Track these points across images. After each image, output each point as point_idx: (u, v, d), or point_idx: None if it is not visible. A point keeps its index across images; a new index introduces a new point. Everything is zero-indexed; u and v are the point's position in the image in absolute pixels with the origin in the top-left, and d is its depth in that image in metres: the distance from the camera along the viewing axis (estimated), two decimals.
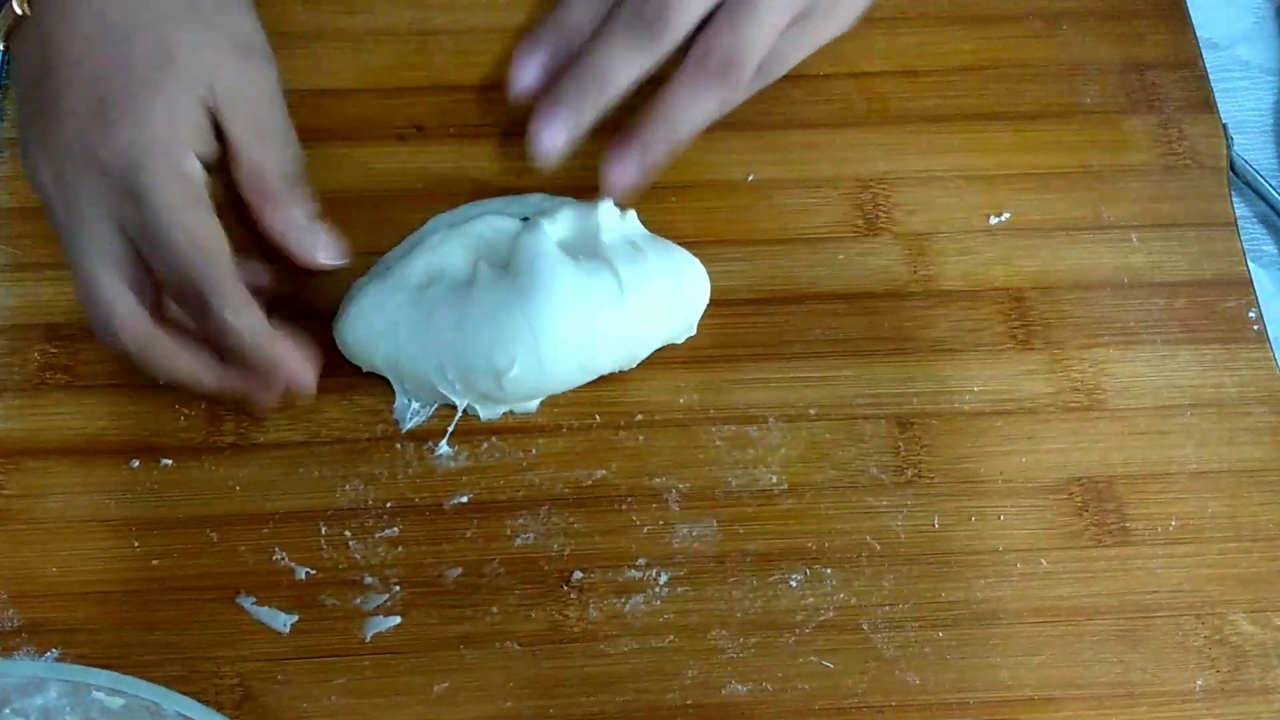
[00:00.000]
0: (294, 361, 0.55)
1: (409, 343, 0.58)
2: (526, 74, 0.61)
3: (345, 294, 0.60)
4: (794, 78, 0.67)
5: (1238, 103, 0.72)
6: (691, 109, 0.60)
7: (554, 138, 0.59)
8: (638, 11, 0.57)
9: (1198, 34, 0.72)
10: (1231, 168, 0.68)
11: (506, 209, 0.62)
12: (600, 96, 0.59)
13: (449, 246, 0.59)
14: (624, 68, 0.58)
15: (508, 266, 0.58)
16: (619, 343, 0.59)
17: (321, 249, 0.56)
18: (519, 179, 0.65)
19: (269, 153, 0.55)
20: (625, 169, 0.60)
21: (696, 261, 0.61)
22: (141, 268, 0.52)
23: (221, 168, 0.55)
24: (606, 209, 0.60)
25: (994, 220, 0.66)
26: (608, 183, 0.60)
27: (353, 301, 0.59)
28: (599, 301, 0.58)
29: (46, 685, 0.48)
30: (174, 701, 0.47)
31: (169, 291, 0.53)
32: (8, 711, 0.48)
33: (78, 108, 0.51)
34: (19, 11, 0.53)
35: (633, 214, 0.61)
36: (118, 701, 0.47)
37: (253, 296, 0.54)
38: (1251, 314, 0.64)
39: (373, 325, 0.58)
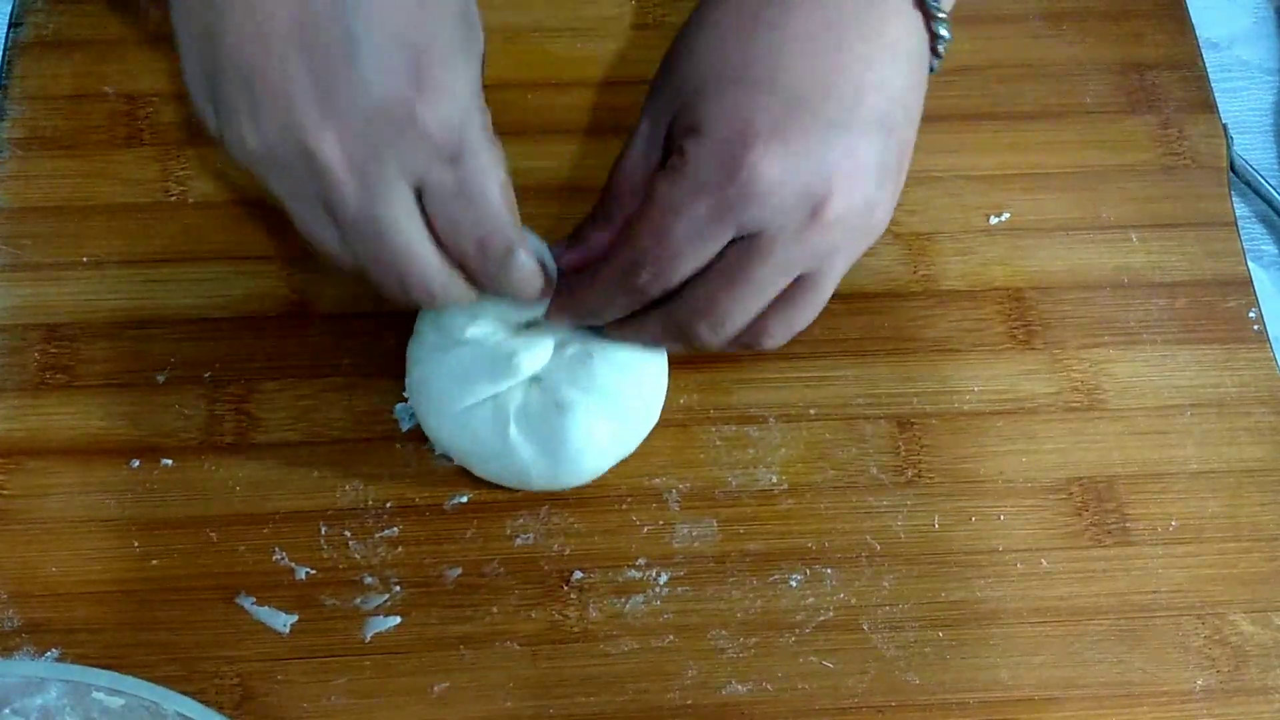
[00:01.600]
0: (547, 287, 0.54)
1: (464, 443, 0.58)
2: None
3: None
4: None
5: (1238, 103, 0.72)
6: (665, 343, 0.56)
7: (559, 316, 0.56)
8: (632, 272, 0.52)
9: (1198, 34, 0.72)
10: (1231, 168, 0.68)
11: None
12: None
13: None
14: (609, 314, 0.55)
15: (539, 426, 0.56)
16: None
17: None
18: (518, 180, 0.65)
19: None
20: (564, 317, 0.56)
21: None
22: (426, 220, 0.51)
23: None
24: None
25: (994, 220, 0.66)
26: (550, 311, 0.56)
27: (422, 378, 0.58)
28: (628, 436, 0.58)
29: (46, 685, 0.48)
30: (174, 701, 0.47)
31: (457, 238, 0.51)
32: (8, 711, 0.48)
33: (390, 67, 0.47)
34: None
35: None
36: (118, 701, 0.47)
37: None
38: (1251, 314, 0.64)
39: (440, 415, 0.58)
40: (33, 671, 0.49)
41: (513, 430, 0.56)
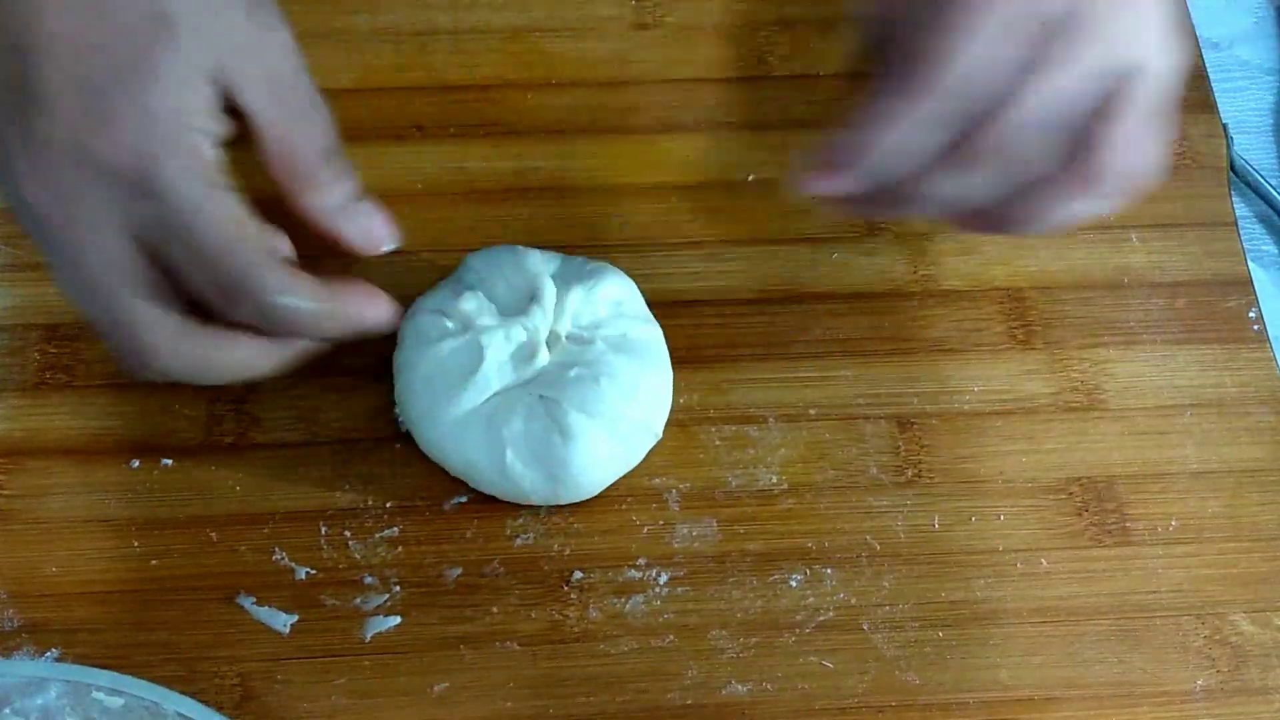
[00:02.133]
0: (370, 309, 0.50)
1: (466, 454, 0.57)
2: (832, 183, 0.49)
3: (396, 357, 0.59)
4: (794, 78, 0.67)
5: (1238, 103, 0.72)
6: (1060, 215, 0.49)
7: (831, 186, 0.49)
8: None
9: (1198, 34, 0.72)
10: (1231, 168, 0.68)
11: (514, 278, 0.59)
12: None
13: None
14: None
15: (540, 450, 0.56)
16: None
17: (374, 232, 0.49)
18: (518, 179, 0.65)
19: (296, 126, 0.48)
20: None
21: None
22: (159, 270, 0.46)
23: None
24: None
25: None
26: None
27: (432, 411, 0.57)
28: (630, 454, 0.58)
29: (46, 685, 0.48)
30: (174, 701, 0.47)
31: (198, 286, 0.47)
32: (8, 711, 0.48)
33: (62, 99, 0.44)
34: None
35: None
36: (118, 701, 0.47)
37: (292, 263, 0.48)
38: (1251, 314, 0.64)
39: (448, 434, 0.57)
40: (33, 671, 0.49)
41: (509, 455, 0.56)
